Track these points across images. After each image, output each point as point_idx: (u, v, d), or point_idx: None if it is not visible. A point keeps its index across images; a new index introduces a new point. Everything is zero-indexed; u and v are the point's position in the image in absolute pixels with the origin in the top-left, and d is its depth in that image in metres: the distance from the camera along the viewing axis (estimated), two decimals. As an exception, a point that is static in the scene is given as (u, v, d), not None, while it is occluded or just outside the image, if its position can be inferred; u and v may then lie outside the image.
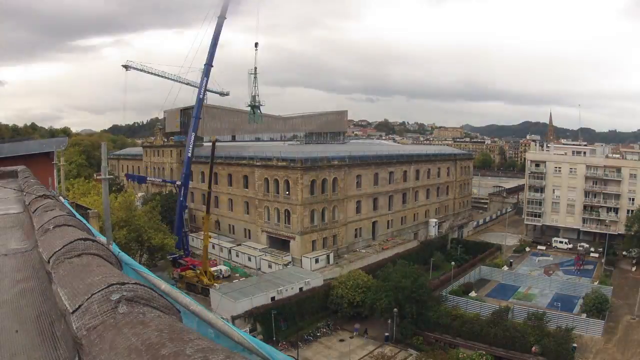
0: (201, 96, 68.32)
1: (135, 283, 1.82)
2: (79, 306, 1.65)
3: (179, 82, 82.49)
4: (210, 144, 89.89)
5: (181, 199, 64.69)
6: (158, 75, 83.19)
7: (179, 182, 67.06)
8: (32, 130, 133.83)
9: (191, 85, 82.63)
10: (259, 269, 57.67)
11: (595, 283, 57.42)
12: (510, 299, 54.34)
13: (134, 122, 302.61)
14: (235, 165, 70.06)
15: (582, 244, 74.89)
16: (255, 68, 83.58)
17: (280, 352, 2.21)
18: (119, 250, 4.06)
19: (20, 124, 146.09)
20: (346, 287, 46.47)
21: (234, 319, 39.68)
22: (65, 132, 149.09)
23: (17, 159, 13.51)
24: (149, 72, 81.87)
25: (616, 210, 76.22)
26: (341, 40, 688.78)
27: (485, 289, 58.75)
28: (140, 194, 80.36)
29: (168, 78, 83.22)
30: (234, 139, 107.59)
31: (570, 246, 75.35)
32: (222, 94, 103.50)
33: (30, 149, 16.56)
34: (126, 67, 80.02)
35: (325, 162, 61.87)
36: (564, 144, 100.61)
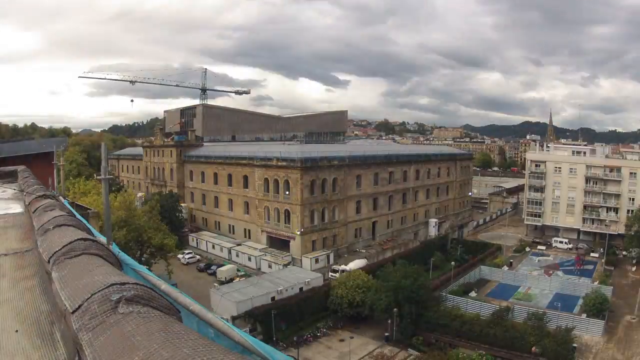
0: None
1: (135, 283, 1.82)
2: (79, 306, 1.65)
3: None
4: (211, 143, 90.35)
5: None
6: None
7: None
8: (32, 130, 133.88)
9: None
10: (259, 269, 57.68)
11: (595, 283, 57.36)
12: (510, 299, 54.29)
13: (134, 122, 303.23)
14: (235, 165, 70.04)
15: (582, 244, 74.96)
16: None
17: (280, 352, 2.20)
18: (119, 250, 4.05)
19: (20, 124, 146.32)
20: (346, 287, 46.45)
21: (234, 319, 39.66)
22: (65, 132, 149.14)
23: (17, 159, 13.52)
24: None
25: (616, 210, 76.20)
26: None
27: (485, 289, 58.70)
28: (140, 194, 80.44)
29: None
30: (234, 138, 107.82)
31: (570, 246, 75.36)
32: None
33: (30, 149, 16.57)
34: None
35: (325, 162, 61.85)
36: (564, 144, 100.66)
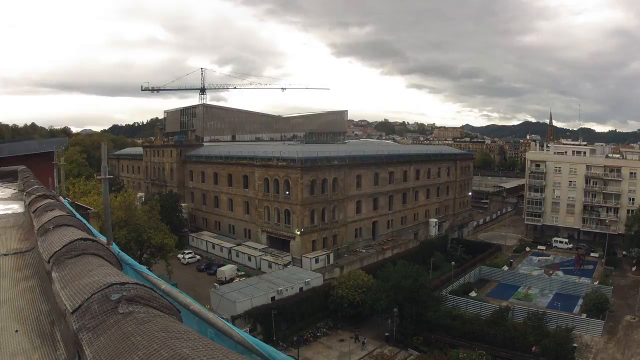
0: None
1: (135, 283, 1.82)
2: (79, 306, 1.65)
3: None
4: (211, 143, 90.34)
5: None
6: None
7: None
8: (32, 130, 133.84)
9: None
10: (259, 268, 57.69)
11: (595, 283, 57.40)
12: (510, 299, 54.35)
13: (134, 122, 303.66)
14: (235, 165, 70.03)
15: (582, 244, 74.95)
16: None
17: (280, 352, 2.20)
18: (119, 250, 4.06)
19: (21, 124, 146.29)
20: (346, 287, 46.47)
21: (234, 319, 39.67)
22: (65, 132, 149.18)
23: (17, 159, 13.51)
24: None
25: (616, 210, 76.23)
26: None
27: (485, 289, 58.75)
28: (140, 194, 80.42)
29: None
30: (234, 138, 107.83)
31: (570, 246, 75.34)
32: None
33: (30, 149, 16.53)
34: None
35: (325, 162, 61.85)
36: (564, 144, 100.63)
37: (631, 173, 75.72)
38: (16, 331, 2.10)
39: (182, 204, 75.36)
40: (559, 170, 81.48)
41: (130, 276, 2.28)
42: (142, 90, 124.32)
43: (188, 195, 79.93)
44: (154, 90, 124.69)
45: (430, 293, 46.14)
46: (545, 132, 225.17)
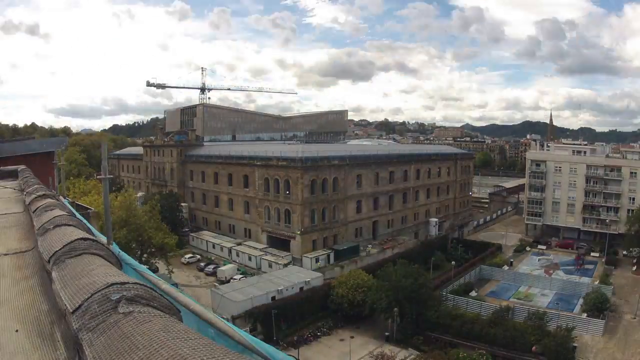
0: None
1: (135, 283, 1.82)
2: (79, 306, 1.65)
3: None
4: (212, 143, 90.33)
5: None
6: None
7: None
8: (32, 130, 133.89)
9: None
10: (260, 268, 57.71)
11: (596, 283, 57.38)
12: (511, 299, 54.31)
13: (134, 122, 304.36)
14: (235, 165, 70.05)
15: (582, 243, 74.91)
16: None
17: (280, 352, 2.20)
18: (119, 250, 4.05)
19: (20, 124, 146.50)
20: (346, 286, 46.45)
21: (234, 318, 39.66)
22: (66, 131, 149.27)
23: (17, 159, 13.52)
24: None
25: (616, 209, 76.17)
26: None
27: (485, 288, 58.71)
28: (140, 194, 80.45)
29: None
30: (234, 138, 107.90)
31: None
32: None
33: (30, 149, 16.55)
34: None
35: (326, 162, 61.84)
36: (564, 144, 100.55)
37: (631, 173, 75.63)
38: (16, 331, 2.10)
39: (183, 204, 75.39)
40: (559, 170, 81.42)
41: (131, 276, 2.28)
42: (147, 85, 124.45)
43: (188, 195, 79.96)
44: (159, 87, 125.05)
45: (431, 293, 46.08)
46: (546, 132, 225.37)
